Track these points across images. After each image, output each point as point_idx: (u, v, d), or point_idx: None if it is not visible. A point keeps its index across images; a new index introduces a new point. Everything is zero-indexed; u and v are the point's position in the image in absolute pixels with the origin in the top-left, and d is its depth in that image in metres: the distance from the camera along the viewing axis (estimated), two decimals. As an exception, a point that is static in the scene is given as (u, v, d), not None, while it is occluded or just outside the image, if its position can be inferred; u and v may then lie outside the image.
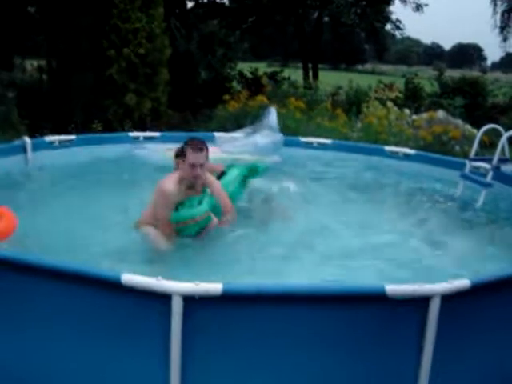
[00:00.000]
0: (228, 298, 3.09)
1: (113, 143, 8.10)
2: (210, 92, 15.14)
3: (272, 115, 8.16)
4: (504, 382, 3.76)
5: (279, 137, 7.96)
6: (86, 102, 12.05)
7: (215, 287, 3.04)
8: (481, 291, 3.42)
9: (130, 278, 3.09)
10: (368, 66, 69.00)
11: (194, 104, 14.69)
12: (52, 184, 6.84)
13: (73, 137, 7.91)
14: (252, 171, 6.04)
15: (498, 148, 6.95)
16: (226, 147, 7.97)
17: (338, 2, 23.39)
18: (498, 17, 30.34)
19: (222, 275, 4.14)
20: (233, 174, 5.83)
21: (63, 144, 7.74)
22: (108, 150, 8.00)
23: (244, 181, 5.97)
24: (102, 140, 8.23)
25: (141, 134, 8.37)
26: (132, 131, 8.95)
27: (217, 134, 8.53)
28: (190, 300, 3.05)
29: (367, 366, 3.35)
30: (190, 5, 20.87)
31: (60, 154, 7.62)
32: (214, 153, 7.95)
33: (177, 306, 3.04)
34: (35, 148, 7.43)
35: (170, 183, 4.96)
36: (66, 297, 3.30)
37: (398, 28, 30.52)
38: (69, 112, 12.05)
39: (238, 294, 3.15)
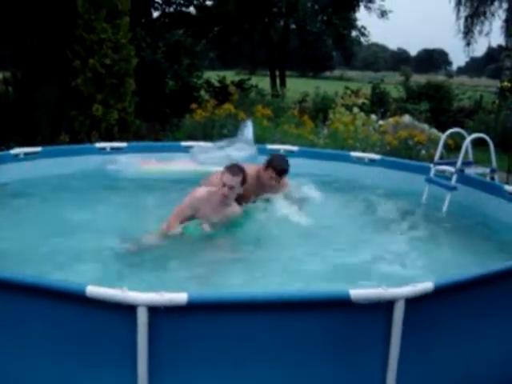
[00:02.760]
0: (193, 308, 3.10)
1: (79, 155, 8.07)
2: (178, 101, 15.10)
3: (248, 128, 8.23)
4: (469, 383, 3.81)
5: (254, 150, 8.04)
6: (53, 113, 11.95)
7: (180, 297, 3.05)
8: (444, 293, 3.47)
9: (94, 289, 3.08)
10: (336, 73, 69.39)
11: (161, 113, 14.65)
12: (16, 197, 6.79)
13: (38, 149, 7.86)
14: None
15: (462, 151, 7.05)
16: (201, 159, 8.02)
17: (304, 10, 23.51)
18: (462, 22, 30.75)
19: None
20: None
21: (29, 156, 7.68)
22: (75, 162, 7.96)
23: None
24: (68, 152, 8.18)
25: (107, 145, 8.35)
26: (99, 142, 8.91)
27: (192, 144, 8.55)
28: (155, 310, 3.05)
29: (335, 370, 3.37)
30: (155, 14, 20.88)
31: (26, 166, 7.56)
32: (188, 165, 8.02)
33: (142, 317, 3.04)
34: (0, 161, 7.37)
35: (204, 190, 5.60)
36: (31, 310, 3.28)
37: (363, 35, 30.81)
38: (35, 124, 11.94)
39: (203, 303, 3.16)
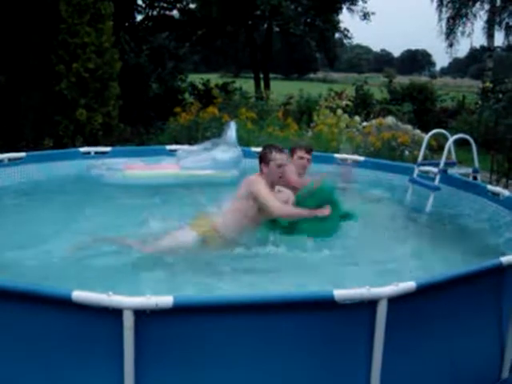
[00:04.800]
0: (179, 311, 3.11)
1: (63, 159, 8.05)
2: (162, 105, 15.12)
3: (231, 130, 8.24)
4: (454, 380, 3.85)
5: (238, 152, 8.05)
6: (37, 118, 11.93)
7: (166, 300, 3.05)
8: (426, 293, 3.51)
9: (80, 294, 3.08)
10: (320, 75, 69.62)
11: (145, 117, 14.65)
12: (1, 201, 6.77)
13: (23, 154, 7.83)
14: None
15: (445, 152, 7.11)
16: (185, 163, 8.03)
17: (287, 13, 23.59)
18: (444, 23, 31.00)
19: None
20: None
21: (13, 162, 7.66)
22: (59, 167, 7.95)
23: None
24: (53, 156, 8.16)
25: (91, 149, 8.34)
26: (83, 146, 8.89)
27: (177, 148, 8.56)
28: (141, 314, 3.06)
29: (320, 370, 3.39)
30: (139, 18, 20.87)
31: (10, 171, 7.54)
32: (173, 168, 8.03)
33: (128, 321, 3.04)
34: (-16, 166, 7.36)
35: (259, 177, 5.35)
36: (17, 316, 3.28)
37: (346, 37, 30.98)
38: (19, 129, 11.92)
39: (189, 305, 3.17)
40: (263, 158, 5.33)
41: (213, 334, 3.23)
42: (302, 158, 6.24)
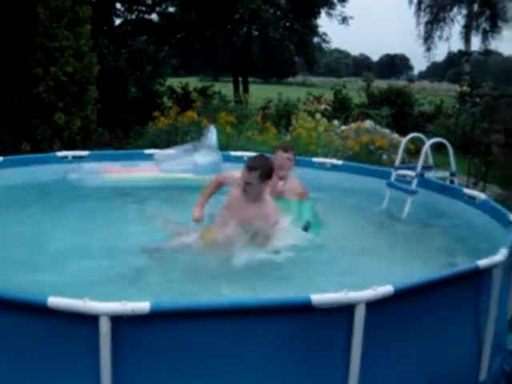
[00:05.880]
0: (156, 316, 3.09)
1: (41, 164, 7.99)
2: (140, 108, 15.08)
3: (212, 134, 8.23)
4: (432, 383, 3.87)
5: (218, 155, 8.04)
6: (14, 122, 11.85)
7: (142, 306, 3.04)
8: (404, 297, 3.53)
9: (55, 300, 3.05)
10: (299, 79, 69.80)
11: (124, 121, 14.60)
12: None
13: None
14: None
15: (421, 156, 7.15)
16: (165, 166, 8.01)
17: (266, 17, 23.64)
18: (422, 27, 31.27)
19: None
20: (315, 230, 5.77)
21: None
22: (37, 172, 7.88)
23: None
24: (30, 161, 8.09)
25: (69, 154, 8.27)
26: (61, 151, 8.82)
27: (155, 152, 8.52)
28: (118, 320, 3.05)
29: (298, 374, 3.39)
30: (117, 22, 20.82)
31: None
32: (152, 171, 8.01)
33: (104, 327, 3.02)
34: (-40, 172, 7.28)
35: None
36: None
37: (324, 41, 31.12)
38: (-4, 133, 11.84)
39: (165, 311, 3.15)
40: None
41: (190, 340, 3.22)
42: (282, 157, 6.14)
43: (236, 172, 5.43)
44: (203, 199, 5.65)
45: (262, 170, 5.02)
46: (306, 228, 5.61)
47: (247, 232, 5.09)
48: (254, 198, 5.13)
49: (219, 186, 5.71)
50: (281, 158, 6.12)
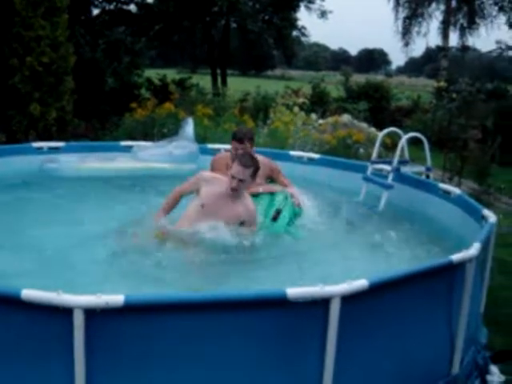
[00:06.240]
0: (130, 309, 3.08)
1: (16, 154, 7.92)
2: (117, 100, 14.97)
3: (189, 126, 8.24)
4: (405, 375, 3.90)
5: (195, 147, 8.06)
6: (-12, 112, 11.74)
7: (116, 299, 3.02)
8: (379, 291, 3.55)
9: (29, 293, 3.03)
10: (277, 72, 69.80)
11: (100, 112, 14.48)
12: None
13: (-28, 150, 7.69)
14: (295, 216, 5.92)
15: (398, 150, 7.19)
16: (142, 156, 8.01)
17: (244, 9, 23.61)
18: (400, 22, 31.47)
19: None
20: (285, 218, 5.71)
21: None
22: (12, 162, 7.82)
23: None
24: (4, 152, 8.01)
25: (44, 145, 8.21)
26: (37, 142, 8.75)
27: (132, 144, 8.50)
28: (91, 313, 3.03)
29: (273, 368, 3.40)
30: (95, 12, 20.65)
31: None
32: (130, 162, 8.00)
33: (78, 320, 3.00)
34: None
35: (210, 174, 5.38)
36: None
37: (303, 35, 31.16)
38: (-29, 123, 11.71)
39: (139, 304, 3.14)
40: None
41: (164, 333, 3.22)
42: (236, 149, 5.79)
43: (206, 172, 5.47)
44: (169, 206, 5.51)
45: (255, 168, 5.12)
46: (274, 217, 5.62)
47: (234, 227, 5.14)
48: (240, 195, 5.16)
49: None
50: (235, 150, 5.81)
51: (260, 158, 5.70)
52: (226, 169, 5.66)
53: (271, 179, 6.21)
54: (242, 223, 5.17)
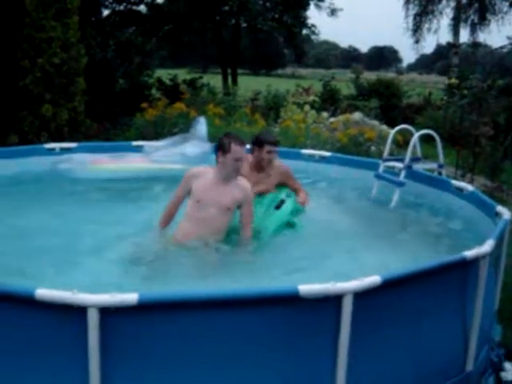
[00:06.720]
0: (144, 307, 3.09)
1: (28, 156, 7.95)
2: (128, 100, 14.98)
3: (201, 125, 8.22)
4: (419, 373, 3.89)
5: (208, 146, 8.02)
6: (1, 114, 11.77)
7: (131, 297, 3.03)
8: (392, 287, 3.54)
9: (44, 292, 3.04)
10: (287, 70, 69.79)
11: (112, 113, 14.50)
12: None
13: (-14, 151, 7.72)
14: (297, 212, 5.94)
15: (409, 148, 7.17)
16: (154, 156, 8.01)
17: (255, 8, 23.60)
18: (411, 20, 31.40)
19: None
20: (289, 206, 5.76)
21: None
22: (24, 164, 7.85)
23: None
24: (17, 153, 8.05)
25: (57, 146, 8.24)
26: (49, 143, 8.78)
27: (143, 144, 8.51)
28: (106, 311, 3.04)
29: (285, 367, 3.40)
30: (105, 13, 20.73)
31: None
32: (142, 162, 8.00)
33: (93, 319, 3.01)
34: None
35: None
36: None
37: (313, 33, 31.10)
38: (-17, 125, 11.75)
39: (154, 302, 3.15)
40: (221, 147, 5.06)
41: (179, 331, 3.22)
42: (270, 152, 5.86)
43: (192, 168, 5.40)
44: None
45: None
46: (278, 206, 5.63)
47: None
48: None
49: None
50: (272, 151, 5.90)
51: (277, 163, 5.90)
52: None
53: (282, 184, 6.15)
54: (239, 206, 5.14)
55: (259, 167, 5.93)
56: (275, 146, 5.92)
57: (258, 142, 5.89)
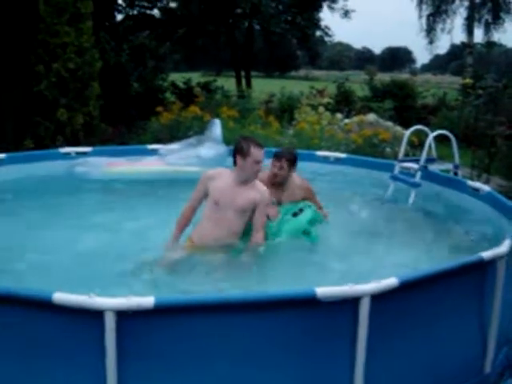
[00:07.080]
0: (161, 311, 3.10)
1: (43, 160, 8.00)
2: (143, 104, 15.05)
3: (216, 127, 8.21)
4: (437, 375, 3.87)
5: (223, 148, 8.01)
6: (17, 119, 11.84)
7: (147, 301, 3.05)
8: (409, 289, 3.53)
9: (61, 296, 3.06)
10: (301, 72, 69.70)
11: (127, 117, 14.57)
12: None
13: (2, 155, 7.76)
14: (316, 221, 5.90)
15: (425, 148, 7.15)
16: (170, 159, 8.02)
17: (267, 11, 23.60)
18: (424, 20, 31.29)
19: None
20: (307, 215, 5.65)
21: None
22: (41, 168, 7.89)
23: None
24: (32, 157, 8.10)
25: (72, 150, 8.28)
26: (64, 147, 8.81)
27: (158, 147, 8.53)
28: (123, 315, 3.05)
29: (303, 368, 3.40)
30: (119, 17, 20.80)
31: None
32: (158, 165, 8.02)
33: (110, 322, 3.03)
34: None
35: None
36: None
37: (326, 34, 31.08)
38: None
39: (170, 306, 3.16)
40: (240, 150, 5.00)
41: (195, 334, 3.23)
42: (274, 166, 5.63)
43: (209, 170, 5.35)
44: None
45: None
46: (296, 214, 5.59)
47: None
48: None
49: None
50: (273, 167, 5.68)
51: (294, 176, 5.74)
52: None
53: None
54: (254, 209, 5.09)
55: (275, 183, 5.73)
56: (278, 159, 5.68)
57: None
